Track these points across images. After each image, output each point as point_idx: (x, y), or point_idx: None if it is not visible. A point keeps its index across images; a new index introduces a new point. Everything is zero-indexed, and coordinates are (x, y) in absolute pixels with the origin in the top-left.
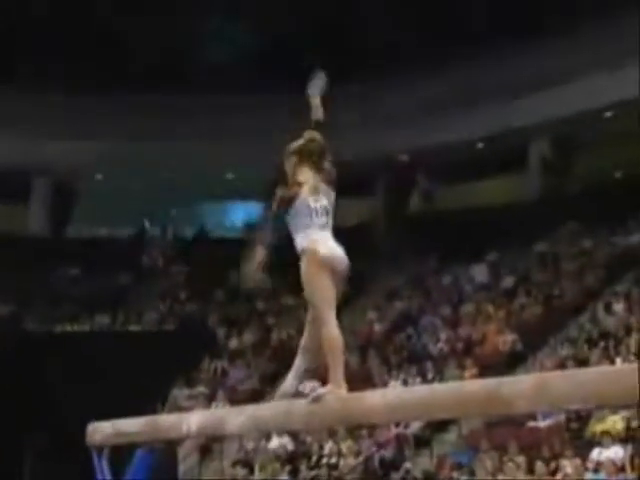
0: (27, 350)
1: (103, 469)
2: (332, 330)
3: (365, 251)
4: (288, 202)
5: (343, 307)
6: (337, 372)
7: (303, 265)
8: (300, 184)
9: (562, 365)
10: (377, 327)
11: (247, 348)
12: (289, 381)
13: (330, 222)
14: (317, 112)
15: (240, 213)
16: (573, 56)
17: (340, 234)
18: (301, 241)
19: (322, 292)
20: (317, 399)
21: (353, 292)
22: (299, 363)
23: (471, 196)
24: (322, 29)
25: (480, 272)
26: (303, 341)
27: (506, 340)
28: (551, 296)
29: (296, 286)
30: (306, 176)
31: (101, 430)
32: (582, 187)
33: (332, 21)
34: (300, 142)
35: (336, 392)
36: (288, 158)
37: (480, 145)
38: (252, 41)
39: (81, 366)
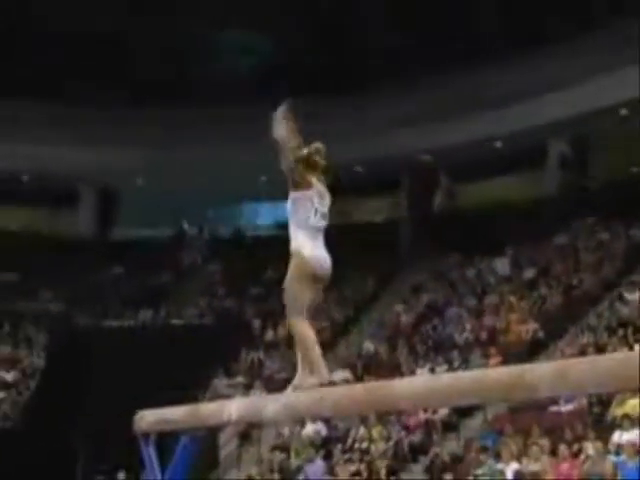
0: (78, 344)
1: (150, 455)
2: (300, 326)
3: (391, 247)
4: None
5: (370, 302)
6: (316, 364)
7: (292, 264)
8: (312, 183)
9: (582, 352)
10: (404, 318)
11: (282, 340)
12: (301, 379)
13: (324, 228)
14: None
15: (273, 214)
16: (589, 56)
17: (367, 231)
18: (295, 241)
19: (299, 296)
20: (296, 389)
21: (380, 286)
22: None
23: (492, 193)
24: (338, 34)
25: (502, 265)
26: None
27: (528, 329)
28: (571, 287)
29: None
30: (313, 181)
31: (147, 418)
32: (599, 182)
33: (345, 27)
34: (307, 151)
35: (317, 382)
36: (296, 166)
37: (499, 144)
38: (270, 50)
39: (126, 358)
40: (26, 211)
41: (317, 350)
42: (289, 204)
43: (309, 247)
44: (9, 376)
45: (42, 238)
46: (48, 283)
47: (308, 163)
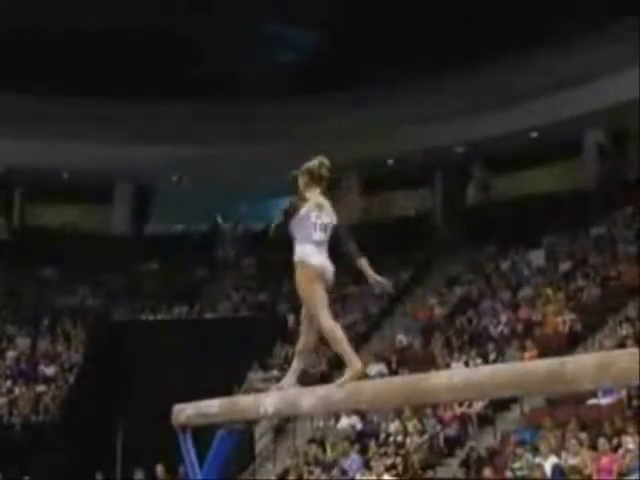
0: (115, 338)
1: (188, 448)
2: (328, 322)
3: (424, 240)
4: (293, 212)
5: (404, 295)
6: (347, 354)
7: (297, 274)
8: (305, 199)
9: (622, 345)
10: (438, 311)
11: None
12: (287, 380)
13: (327, 239)
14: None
15: None
16: (625, 46)
17: (400, 224)
18: (298, 252)
19: (315, 296)
20: (341, 386)
21: (414, 280)
22: (296, 365)
23: (527, 184)
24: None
25: (537, 257)
26: (299, 345)
27: (565, 321)
28: (608, 278)
29: (359, 276)
30: (313, 194)
31: (185, 411)
32: (637, 172)
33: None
34: (312, 164)
35: (354, 372)
36: (301, 176)
37: (534, 134)
38: (307, 45)
39: (162, 352)
40: (65, 208)
41: (346, 342)
42: (292, 223)
43: (315, 257)
44: (49, 370)
45: (80, 234)
46: (86, 279)
47: (313, 175)
